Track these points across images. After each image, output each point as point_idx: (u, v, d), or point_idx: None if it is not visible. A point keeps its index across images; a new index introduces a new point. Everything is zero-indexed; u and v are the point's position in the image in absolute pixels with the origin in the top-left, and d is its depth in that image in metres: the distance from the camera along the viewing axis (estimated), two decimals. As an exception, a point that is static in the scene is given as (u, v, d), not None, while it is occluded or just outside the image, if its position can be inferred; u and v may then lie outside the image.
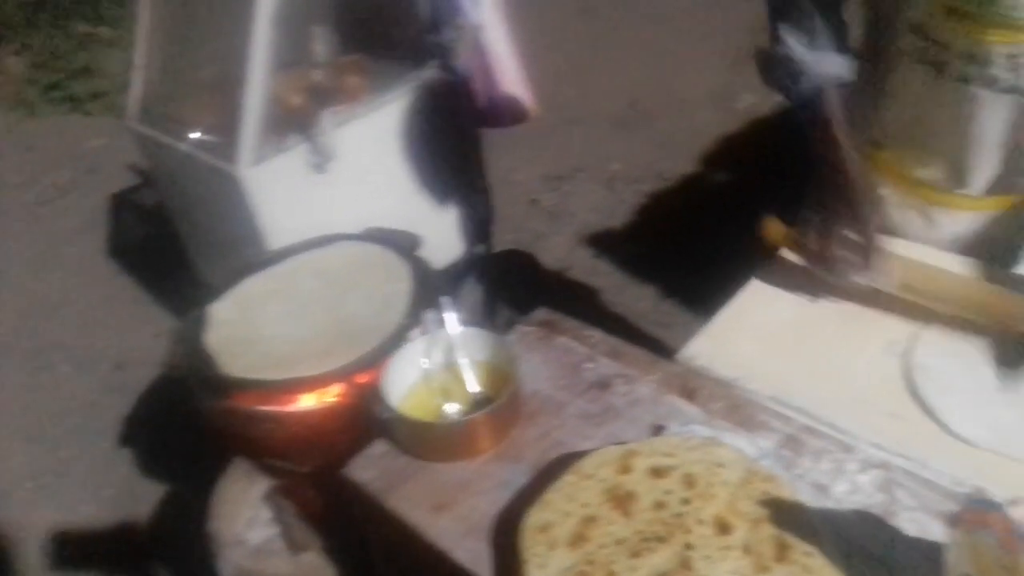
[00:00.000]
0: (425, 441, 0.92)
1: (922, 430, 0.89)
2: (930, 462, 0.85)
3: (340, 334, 1.12)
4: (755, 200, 1.25)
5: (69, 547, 1.96)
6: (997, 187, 1.11)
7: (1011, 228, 1.13)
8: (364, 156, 1.79)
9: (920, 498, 0.80)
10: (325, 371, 1.06)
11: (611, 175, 3.23)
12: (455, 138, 1.88)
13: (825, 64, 1.06)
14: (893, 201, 1.18)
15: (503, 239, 2.68)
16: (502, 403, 0.92)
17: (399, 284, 1.17)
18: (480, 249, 2.02)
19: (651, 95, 3.71)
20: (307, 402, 1.06)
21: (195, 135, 1.78)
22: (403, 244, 1.25)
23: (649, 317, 2.39)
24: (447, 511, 0.87)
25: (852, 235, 1.05)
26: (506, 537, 0.81)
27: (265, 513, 1.23)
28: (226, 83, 1.67)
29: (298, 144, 1.69)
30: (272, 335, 1.14)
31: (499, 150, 2.65)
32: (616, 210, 3.00)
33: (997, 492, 0.62)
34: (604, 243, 2.80)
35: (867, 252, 1.05)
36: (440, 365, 1.01)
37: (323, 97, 1.68)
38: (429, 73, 1.85)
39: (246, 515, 1.21)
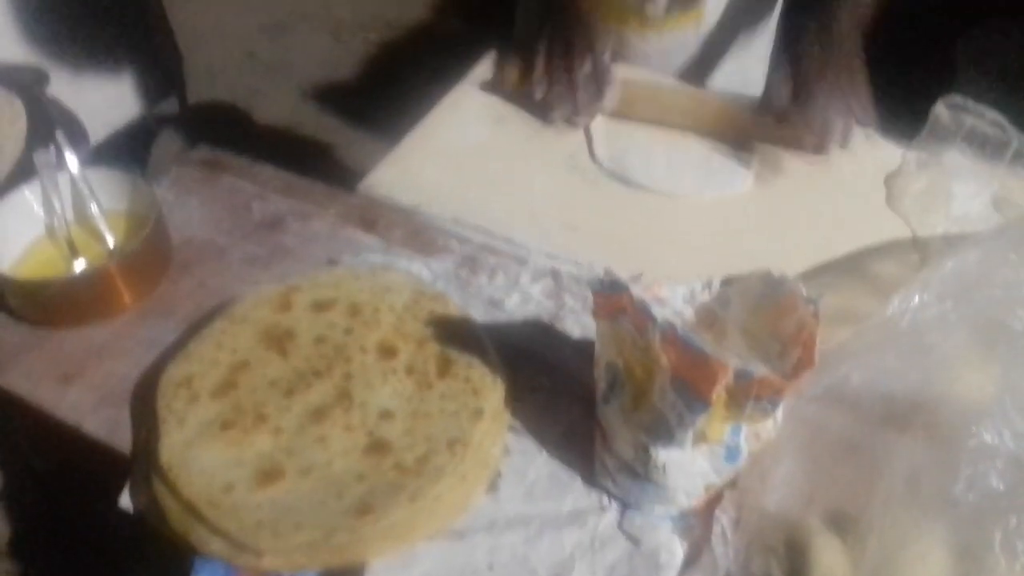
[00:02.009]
0: (46, 304, 0.77)
1: (594, 237, 0.90)
2: (597, 265, 0.85)
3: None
4: (487, 48, 1.16)
5: None
6: (678, 4, 1.11)
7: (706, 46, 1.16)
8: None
9: (584, 300, 0.81)
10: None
11: (336, 23, 2.98)
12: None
13: None
14: (593, 22, 1.15)
15: (214, 95, 2.40)
16: (138, 248, 0.78)
17: (11, 127, 0.95)
18: (168, 105, 1.75)
19: (377, -64, 3.43)
20: None
21: None
22: (17, 79, 1.01)
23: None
24: (77, 380, 0.74)
25: (579, 64, 1.00)
26: (145, 400, 0.70)
27: None
28: None
29: None
30: None
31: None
32: (342, 62, 2.79)
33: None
34: (330, 96, 2.60)
35: (595, 79, 1.01)
36: (67, 218, 0.83)
37: None
38: None
39: None
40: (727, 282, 0.61)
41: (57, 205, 0.83)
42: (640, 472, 0.61)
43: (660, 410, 0.58)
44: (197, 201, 0.92)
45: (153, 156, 1.68)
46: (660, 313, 0.56)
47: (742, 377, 0.52)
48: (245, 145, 1.08)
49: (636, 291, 0.57)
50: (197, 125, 1.87)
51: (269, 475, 0.62)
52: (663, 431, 0.58)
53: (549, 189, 0.95)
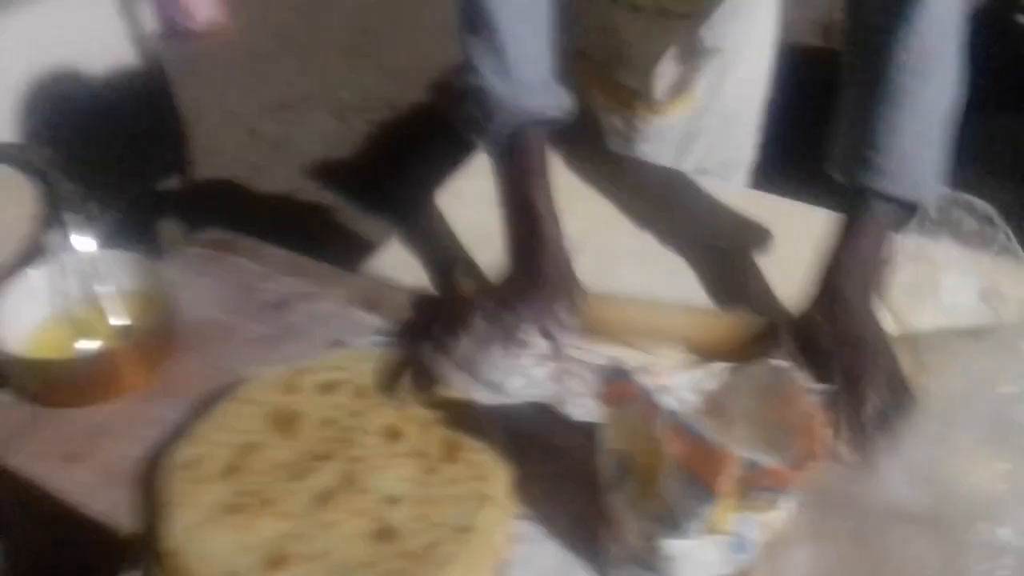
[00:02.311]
0: (51, 384, 0.77)
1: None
2: (599, 350, 0.87)
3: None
4: None
5: None
6: (675, 89, 1.17)
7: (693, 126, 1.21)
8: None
9: (588, 384, 0.81)
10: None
11: (340, 104, 3.07)
12: (122, 51, 1.62)
13: (524, 99, 0.84)
14: (600, 105, 1.21)
15: (217, 172, 2.45)
16: (145, 330, 0.79)
17: (20, 208, 0.96)
18: (173, 180, 1.79)
19: (380, 23, 3.56)
20: None
21: None
22: (28, 160, 1.04)
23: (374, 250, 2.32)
24: (82, 461, 0.74)
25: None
26: (151, 481, 0.70)
27: None
28: None
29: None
30: None
31: (212, 76, 2.39)
32: (345, 140, 2.86)
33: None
34: (332, 174, 2.66)
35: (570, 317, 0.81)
36: (75, 298, 0.85)
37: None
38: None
39: None
40: (732, 371, 0.62)
41: (65, 286, 0.84)
42: (649, 562, 0.61)
43: (667, 499, 0.58)
44: (206, 281, 0.94)
45: (160, 236, 1.71)
46: (666, 401, 0.57)
47: (749, 467, 0.53)
48: (247, 221, 1.11)
49: (642, 379, 0.59)
50: (200, 201, 1.90)
51: (276, 562, 0.62)
52: (670, 521, 0.58)
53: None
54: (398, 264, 0.97)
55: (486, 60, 0.84)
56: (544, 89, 0.87)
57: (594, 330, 0.83)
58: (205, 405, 0.77)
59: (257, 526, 0.64)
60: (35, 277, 0.83)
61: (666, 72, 1.15)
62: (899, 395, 0.68)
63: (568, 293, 0.81)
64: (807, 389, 0.58)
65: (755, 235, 1.02)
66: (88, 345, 0.82)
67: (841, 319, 0.74)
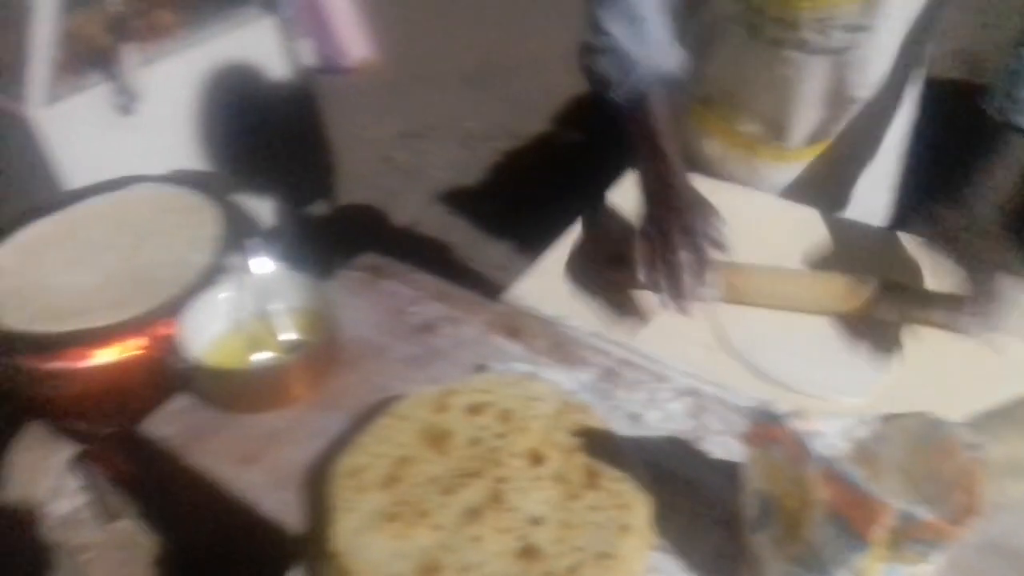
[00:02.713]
0: (231, 391, 0.86)
1: (732, 360, 0.92)
2: (740, 389, 0.88)
3: (136, 282, 1.02)
4: (607, 159, 1.25)
5: None
6: (813, 137, 1.16)
7: (828, 171, 1.19)
8: (178, 99, 1.65)
9: (727, 422, 0.83)
10: (120, 320, 0.96)
11: (466, 133, 3.19)
12: (284, 83, 1.77)
13: (655, 58, 0.97)
14: (720, 153, 1.21)
15: (354, 196, 2.59)
16: (314, 348, 0.87)
17: (205, 228, 1.07)
18: (320, 204, 1.93)
19: (504, 54, 3.68)
20: (101, 356, 0.96)
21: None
22: (212, 186, 1.16)
23: (503, 272, 2.39)
24: (255, 463, 0.81)
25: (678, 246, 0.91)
26: (317, 485, 0.77)
27: (70, 481, 1.12)
28: (12, 16, 1.48)
29: (99, 83, 1.53)
30: (60, 284, 1.02)
31: (350, 106, 2.56)
32: (471, 168, 2.98)
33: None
34: (459, 201, 2.77)
35: (696, 266, 0.90)
36: (251, 313, 0.94)
37: (126, 32, 1.52)
38: (254, 11, 1.73)
39: (47, 484, 1.10)
40: (885, 420, 0.62)
41: (243, 303, 0.93)
42: (790, 603, 0.61)
43: (814, 544, 0.59)
44: (361, 302, 1.01)
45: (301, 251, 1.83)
46: (818, 447, 0.58)
47: (905, 519, 0.53)
48: (383, 244, 1.18)
49: (794, 423, 0.60)
50: (343, 225, 2.03)
51: (430, 570, 0.66)
52: (817, 566, 0.59)
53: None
54: (538, 294, 1.01)
55: (620, 26, 0.97)
56: (671, 50, 1.00)
57: (728, 297, 0.96)
58: (362, 418, 0.83)
59: (412, 535, 0.69)
60: (217, 294, 0.92)
61: (804, 119, 1.12)
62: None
63: (706, 213, 0.94)
64: (964, 444, 0.57)
65: (899, 274, 1.00)
66: (261, 357, 0.90)
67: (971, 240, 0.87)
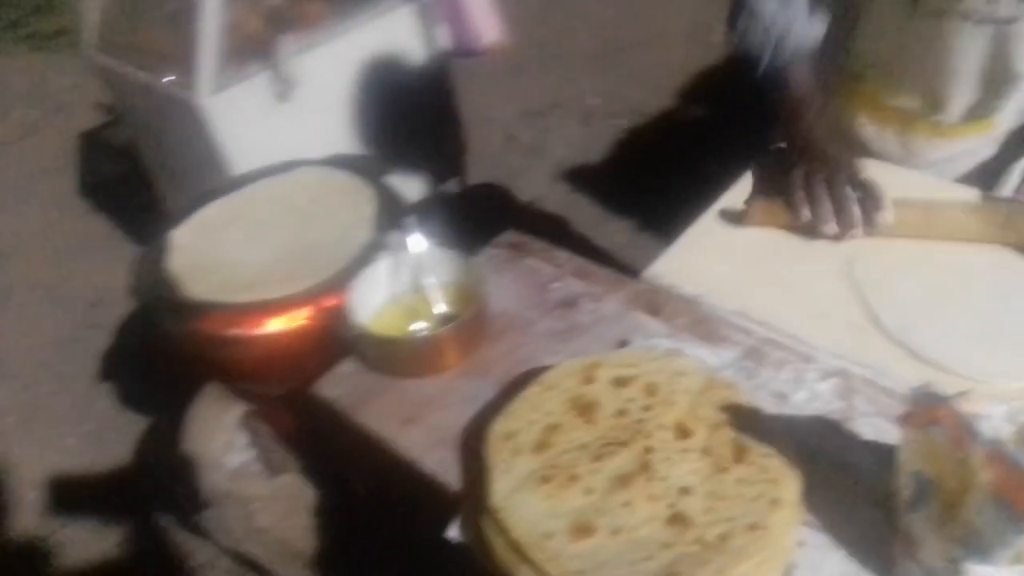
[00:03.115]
0: (392, 358, 0.93)
1: (879, 339, 0.91)
2: (888, 370, 0.87)
3: (305, 258, 1.11)
4: (731, 134, 1.24)
5: (56, 487, 1.97)
6: (971, 113, 1.11)
7: (1001, 150, 1.14)
8: (329, 84, 1.76)
9: (877, 403, 0.82)
10: (291, 293, 1.06)
11: (588, 110, 3.20)
12: (424, 67, 1.84)
13: (798, 28, 1.03)
14: (871, 131, 1.18)
15: (480, 175, 2.66)
16: (467, 319, 0.92)
17: (363, 208, 1.15)
18: (453, 182, 2.00)
19: (627, 31, 3.65)
20: (274, 324, 1.05)
21: (154, 65, 1.73)
22: (367, 169, 1.24)
23: (625, 249, 2.40)
24: (415, 424, 0.88)
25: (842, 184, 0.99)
26: (472, 446, 0.82)
27: (241, 437, 1.24)
28: (184, 11, 1.61)
29: (259, 72, 1.65)
30: (235, 260, 1.13)
31: (475, 86, 2.62)
32: (593, 146, 2.98)
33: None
34: (581, 178, 2.79)
35: (868, 199, 0.98)
36: (407, 286, 1.01)
37: (283, 23, 1.63)
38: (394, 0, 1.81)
39: (222, 439, 1.22)
40: (1055, 405, 0.61)
41: (400, 276, 1.00)
42: (947, 583, 0.62)
43: (977, 526, 0.58)
44: (505, 278, 1.06)
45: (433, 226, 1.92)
46: (984, 429, 0.58)
47: (1078, 503, 0.52)
48: (509, 221, 1.22)
49: (958, 405, 0.59)
50: (472, 202, 2.10)
51: (583, 530, 0.70)
52: (979, 547, 0.59)
53: (832, 291, 0.98)
54: (677, 272, 1.03)
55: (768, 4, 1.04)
56: (814, 21, 1.06)
57: (891, 230, 0.99)
58: (510, 386, 0.88)
59: (565, 496, 0.74)
60: (377, 269, 0.99)
61: (963, 93, 1.08)
62: None
63: (851, 163, 1.01)
64: None
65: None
66: (418, 327, 0.96)
67: None
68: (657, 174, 2.70)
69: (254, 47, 1.62)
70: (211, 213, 1.22)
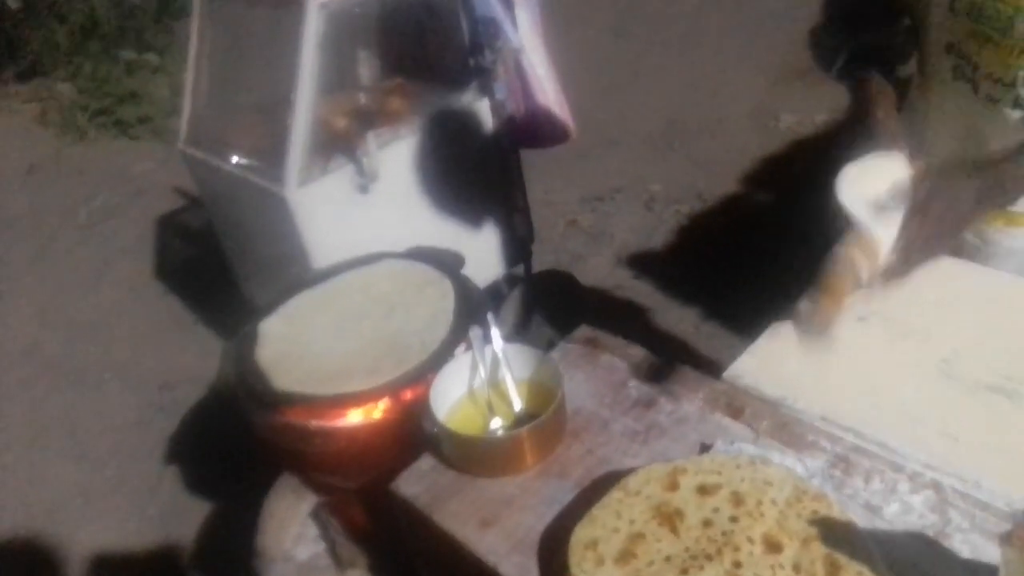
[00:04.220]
0: (472, 456, 0.93)
1: (975, 450, 0.88)
2: (983, 482, 0.83)
3: (387, 350, 1.14)
4: (796, 222, 1.24)
5: (112, 567, 1.99)
6: None
7: None
8: (407, 177, 1.83)
9: (974, 519, 0.79)
10: (373, 386, 1.08)
11: (650, 196, 3.22)
12: (495, 159, 1.91)
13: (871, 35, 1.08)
14: None
15: (543, 260, 2.69)
16: (547, 418, 0.92)
17: (444, 301, 1.18)
18: (520, 269, 2.03)
19: (689, 115, 3.70)
20: (355, 417, 1.07)
21: (243, 158, 1.82)
22: (446, 262, 1.27)
23: (690, 339, 2.38)
24: (493, 526, 0.87)
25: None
26: (552, 552, 0.82)
27: (312, 530, 1.25)
28: (274, 106, 1.72)
29: (343, 166, 1.73)
30: (321, 351, 1.16)
31: (538, 171, 2.68)
32: (655, 231, 2.99)
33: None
34: (644, 264, 2.79)
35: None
36: (486, 382, 1.02)
37: (367, 119, 1.72)
38: (470, 96, 1.89)
39: (293, 531, 1.23)
40: None
41: (480, 372, 1.01)
42: None
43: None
44: (580, 375, 1.06)
45: (502, 314, 1.94)
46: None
47: None
48: (574, 306, 1.22)
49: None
50: (538, 287, 2.12)
51: (672, 649, 0.68)
52: None
53: (922, 394, 0.95)
54: (758, 373, 1.02)
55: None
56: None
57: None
58: (589, 488, 0.87)
59: (651, 611, 0.72)
60: (458, 364, 1.01)
61: None
62: None
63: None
64: None
65: None
66: (496, 425, 0.97)
67: None
68: (720, 260, 2.69)
69: (340, 142, 1.70)
70: (299, 304, 1.27)
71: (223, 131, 1.95)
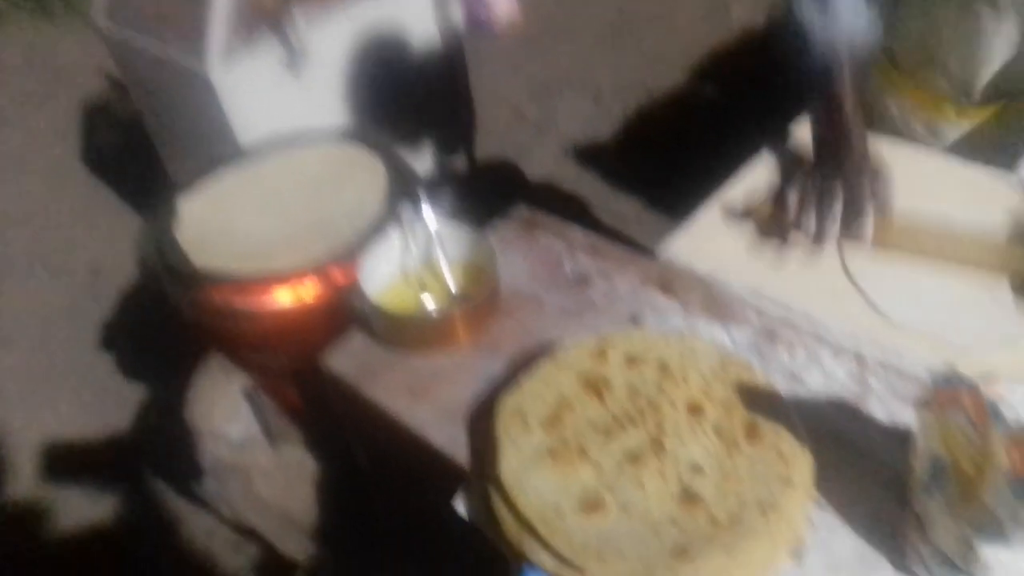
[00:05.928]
0: (404, 334, 0.92)
1: (889, 319, 0.90)
2: (902, 352, 0.86)
3: (315, 229, 1.10)
4: (744, 114, 1.22)
5: (54, 454, 1.98)
6: (999, 96, 1.10)
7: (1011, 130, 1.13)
8: (340, 58, 1.73)
9: (892, 386, 0.82)
10: (300, 264, 1.05)
11: (598, 88, 3.16)
12: (435, 43, 1.82)
13: (842, 27, 0.99)
14: (897, 110, 1.18)
15: (488, 151, 2.64)
16: (477, 297, 0.91)
17: (374, 180, 1.14)
18: (461, 158, 1.98)
19: (639, 7, 3.60)
20: (282, 296, 1.05)
21: (162, 34, 1.70)
22: (378, 142, 1.22)
23: (631, 226, 2.38)
24: (424, 399, 0.87)
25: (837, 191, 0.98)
26: (482, 422, 0.82)
27: (244, 408, 1.24)
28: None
29: (270, 43, 1.62)
30: (245, 230, 1.12)
31: (484, 62, 2.59)
32: (603, 124, 2.95)
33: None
34: (590, 156, 2.76)
35: (857, 222, 0.97)
36: (418, 260, 1.00)
37: (294, -5, 1.60)
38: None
39: (225, 409, 1.22)
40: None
41: (412, 251, 0.99)
42: (960, 566, 0.61)
43: (992, 509, 0.58)
44: (517, 255, 1.05)
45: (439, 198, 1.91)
46: (1004, 413, 0.57)
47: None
48: (516, 197, 1.21)
49: (982, 389, 0.59)
50: (479, 178, 2.08)
51: (593, 505, 0.70)
52: (993, 529, 0.58)
53: (848, 266, 0.97)
54: (690, 250, 1.02)
55: (810, 6, 1.00)
56: (858, 17, 1.00)
57: (878, 247, 0.98)
58: (521, 362, 0.88)
59: (575, 472, 0.73)
60: (390, 242, 0.98)
61: (990, 77, 1.07)
62: None
63: (875, 173, 0.98)
64: None
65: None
66: (429, 303, 0.96)
67: None
68: (667, 152, 2.67)
69: (266, 18, 1.59)
70: (221, 183, 1.21)
71: (140, 5, 1.81)
